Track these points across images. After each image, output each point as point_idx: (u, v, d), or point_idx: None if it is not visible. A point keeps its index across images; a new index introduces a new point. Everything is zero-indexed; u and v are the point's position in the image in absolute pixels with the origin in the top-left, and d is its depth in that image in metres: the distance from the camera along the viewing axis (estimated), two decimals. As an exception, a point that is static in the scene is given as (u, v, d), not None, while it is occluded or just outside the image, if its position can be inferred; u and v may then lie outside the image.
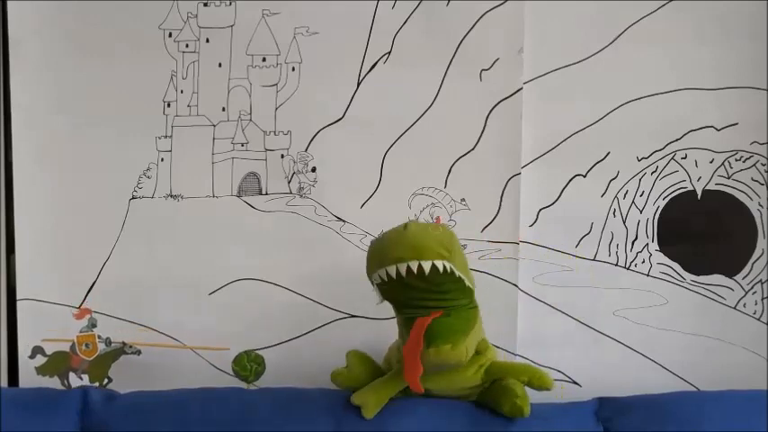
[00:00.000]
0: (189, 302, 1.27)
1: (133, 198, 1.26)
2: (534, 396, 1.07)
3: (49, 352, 1.27)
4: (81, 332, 1.27)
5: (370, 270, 1.02)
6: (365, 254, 1.23)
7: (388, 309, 1.25)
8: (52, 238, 1.26)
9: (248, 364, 1.26)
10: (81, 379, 1.27)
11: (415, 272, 0.97)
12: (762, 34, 1.23)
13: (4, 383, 1.27)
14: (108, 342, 1.27)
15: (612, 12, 1.23)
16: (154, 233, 1.27)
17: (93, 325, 1.27)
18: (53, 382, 1.27)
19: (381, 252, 1.01)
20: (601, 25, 1.23)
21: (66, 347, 1.27)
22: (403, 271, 0.97)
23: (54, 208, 1.26)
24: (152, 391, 1.15)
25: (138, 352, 1.27)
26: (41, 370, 1.27)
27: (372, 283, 1.03)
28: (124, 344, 1.27)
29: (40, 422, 1.08)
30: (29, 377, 1.27)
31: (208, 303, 1.27)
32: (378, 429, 1.05)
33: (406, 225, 1.00)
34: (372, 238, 1.22)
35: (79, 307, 1.27)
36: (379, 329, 1.23)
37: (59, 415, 1.09)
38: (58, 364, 1.27)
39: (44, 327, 1.27)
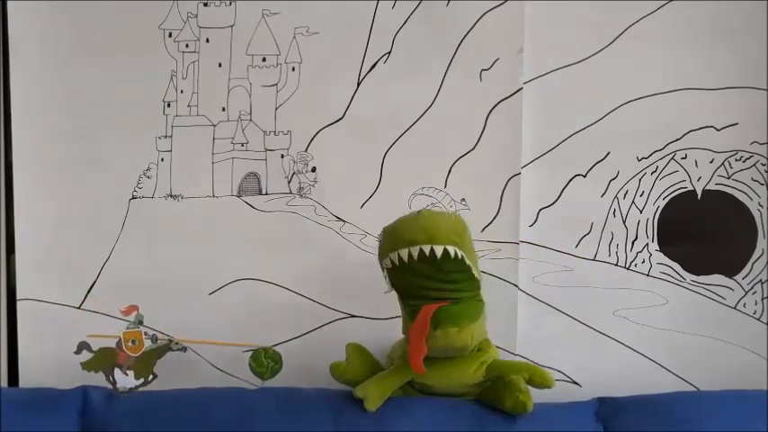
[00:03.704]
0: (189, 302, 1.27)
1: (133, 198, 1.26)
2: (534, 396, 1.07)
3: (95, 348, 1.27)
4: (128, 328, 1.27)
5: (383, 253, 1.04)
6: (365, 254, 1.25)
7: (387, 309, 1.25)
8: (52, 238, 1.26)
9: (265, 361, 1.26)
10: (126, 375, 1.27)
11: (427, 255, 0.98)
12: (762, 34, 1.23)
13: (4, 383, 1.27)
14: (154, 339, 1.27)
15: (612, 12, 1.23)
16: (154, 233, 1.27)
17: (139, 322, 1.27)
18: (98, 378, 1.27)
19: (394, 235, 1.02)
20: (601, 25, 1.23)
21: (111, 344, 1.27)
22: (415, 254, 0.99)
23: (54, 208, 1.26)
24: (152, 391, 1.15)
25: (184, 349, 1.27)
26: (87, 366, 1.27)
27: (383, 268, 1.04)
28: (170, 341, 1.27)
29: (40, 422, 1.08)
30: (29, 377, 1.27)
31: (208, 303, 1.27)
32: (378, 429, 1.05)
33: (419, 211, 1.03)
34: (372, 237, 1.23)
35: (79, 307, 1.27)
36: (379, 329, 1.24)
37: (60, 415, 1.09)
38: (104, 360, 1.27)
39: (44, 327, 1.27)
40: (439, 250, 0.99)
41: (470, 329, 1.03)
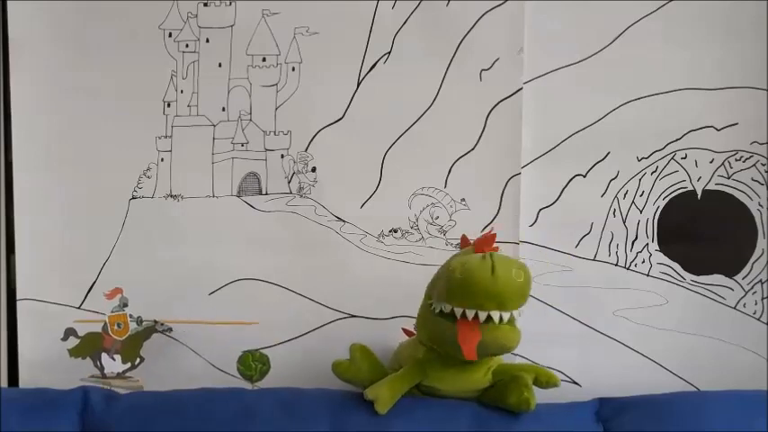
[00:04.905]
0: (189, 302, 1.27)
1: (133, 198, 1.26)
2: (536, 396, 1.07)
3: (81, 333, 1.27)
4: (113, 312, 1.27)
5: (443, 297, 1.01)
6: (365, 254, 1.24)
7: (387, 309, 1.25)
8: (52, 238, 1.26)
9: (253, 364, 1.27)
10: (114, 360, 1.27)
11: (496, 321, 0.98)
12: (762, 34, 1.23)
13: (4, 383, 1.27)
14: (139, 321, 1.27)
15: (612, 12, 1.23)
16: (154, 233, 1.27)
17: (124, 304, 1.27)
18: (85, 364, 1.27)
19: (464, 290, 0.99)
20: (601, 25, 1.23)
21: (98, 328, 1.27)
22: (482, 318, 0.98)
23: (54, 208, 1.26)
24: (152, 392, 1.15)
25: (170, 329, 1.27)
26: (74, 352, 1.27)
27: (434, 304, 1.03)
28: (155, 322, 1.27)
29: (40, 422, 1.08)
30: (29, 377, 1.27)
31: (208, 303, 1.27)
32: (378, 429, 1.05)
33: (493, 268, 0.98)
34: (372, 237, 1.23)
35: (79, 307, 1.27)
36: (379, 329, 1.24)
37: (60, 415, 1.09)
38: (91, 344, 1.27)
39: (44, 327, 1.27)
40: (506, 316, 0.99)
41: (517, 332, 1.02)
